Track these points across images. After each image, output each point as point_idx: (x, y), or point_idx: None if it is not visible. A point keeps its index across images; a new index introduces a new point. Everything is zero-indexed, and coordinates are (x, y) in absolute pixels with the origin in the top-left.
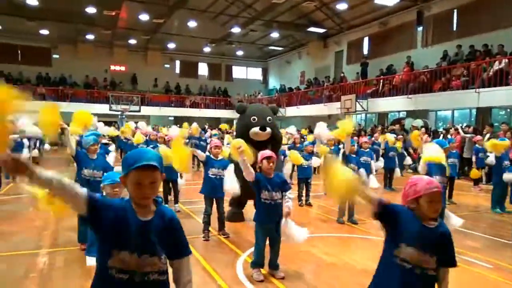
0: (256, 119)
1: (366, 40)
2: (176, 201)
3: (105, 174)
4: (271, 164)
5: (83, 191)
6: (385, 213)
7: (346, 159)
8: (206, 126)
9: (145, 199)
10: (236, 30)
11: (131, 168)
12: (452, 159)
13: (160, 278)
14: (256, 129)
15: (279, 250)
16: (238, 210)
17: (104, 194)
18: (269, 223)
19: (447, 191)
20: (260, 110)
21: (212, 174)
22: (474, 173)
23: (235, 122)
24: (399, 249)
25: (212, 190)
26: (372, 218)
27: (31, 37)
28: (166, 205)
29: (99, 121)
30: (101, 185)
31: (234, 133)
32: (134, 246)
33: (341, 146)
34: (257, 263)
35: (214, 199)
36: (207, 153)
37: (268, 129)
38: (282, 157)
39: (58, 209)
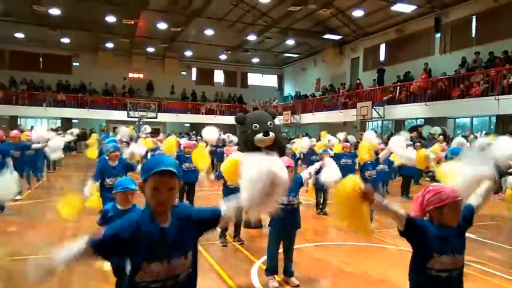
0: (258, 125)
1: (383, 46)
2: (191, 204)
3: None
4: (290, 173)
5: (84, 245)
6: (412, 228)
7: (363, 167)
8: (222, 133)
9: (162, 205)
10: (252, 37)
11: (150, 173)
12: None
13: (190, 273)
14: (260, 136)
15: (292, 256)
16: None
17: (116, 202)
18: (285, 229)
19: None
20: (259, 117)
21: (231, 185)
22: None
23: None
24: (432, 260)
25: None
26: (399, 234)
27: (52, 45)
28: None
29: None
30: (113, 192)
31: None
32: (162, 255)
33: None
34: (270, 270)
35: None
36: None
37: (271, 134)
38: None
39: (69, 212)
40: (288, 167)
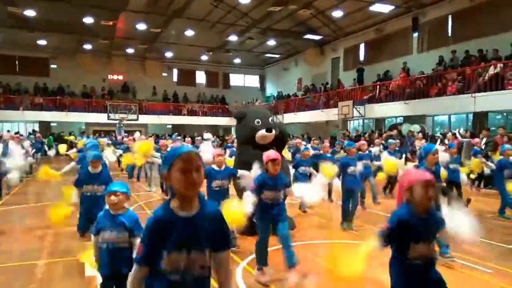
0: (261, 121)
1: (362, 46)
2: None
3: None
4: (276, 166)
5: (137, 268)
6: (392, 237)
7: (345, 163)
8: (204, 134)
9: (193, 186)
10: (233, 38)
11: (175, 156)
12: (454, 165)
13: (206, 274)
14: (263, 132)
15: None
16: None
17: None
18: (271, 220)
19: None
20: (262, 113)
21: (216, 186)
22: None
23: (233, 129)
24: (408, 250)
25: (218, 203)
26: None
27: (29, 47)
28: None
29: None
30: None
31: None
32: (182, 244)
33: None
34: (260, 261)
35: None
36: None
37: (273, 131)
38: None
39: (57, 218)
40: (274, 160)
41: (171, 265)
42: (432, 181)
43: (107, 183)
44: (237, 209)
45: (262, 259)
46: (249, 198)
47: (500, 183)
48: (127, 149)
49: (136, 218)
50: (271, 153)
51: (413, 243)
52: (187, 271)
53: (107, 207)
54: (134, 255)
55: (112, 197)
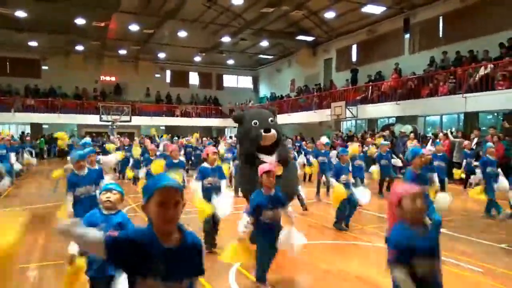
0: (258, 122)
1: (354, 47)
2: None
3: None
4: (271, 178)
5: (100, 237)
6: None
7: (338, 171)
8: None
9: (170, 222)
10: (226, 39)
11: (154, 188)
12: (438, 161)
13: None
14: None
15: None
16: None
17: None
18: (271, 244)
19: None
20: (260, 113)
21: (208, 183)
22: (457, 173)
23: (226, 130)
24: (409, 266)
25: (209, 199)
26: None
27: (20, 49)
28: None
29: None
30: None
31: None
32: (159, 274)
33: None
34: (261, 278)
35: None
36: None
37: (273, 131)
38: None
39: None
40: (269, 172)
41: None
42: (420, 193)
43: (97, 181)
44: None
45: (262, 277)
46: (245, 220)
47: (485, 182)
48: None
49: (128, 219)
50: (265, 166)
51: (413, 258)
52: None
53: (101, 206)
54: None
55: (108, 194)
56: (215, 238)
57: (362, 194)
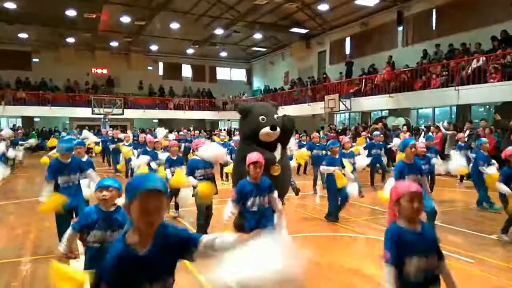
0: (266, 118)
1: (348, 40)
2: (176, 207)
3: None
4: (258, 169)
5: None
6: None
7: (329, 163)
8: (191, 128)
9: (151, 226)
10: (219, 31)
11: (136, 192)
12: (429, 153)
13: None
14: (267, 129)
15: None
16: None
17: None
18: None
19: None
20: (266, 108)
21: (200, 176)
22: (463, 171)
23: (220, 123)
24: (405, 266)
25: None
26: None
27: (10, 41)
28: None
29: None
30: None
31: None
32: (143, 280)
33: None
34: None
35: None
36: (194, 155)
37: (278, 129)
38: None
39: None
40: (256, 162)
41: None
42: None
43: (81, 169)
44: None
45: None
46: (230, 208)
47: (476, 175)
48: (113, 141)
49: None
50: (252, 155)
51: (407, 257)
52: None
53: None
54: None
55: (105, 192)
56: (207, 232)
57: (352, 188)
